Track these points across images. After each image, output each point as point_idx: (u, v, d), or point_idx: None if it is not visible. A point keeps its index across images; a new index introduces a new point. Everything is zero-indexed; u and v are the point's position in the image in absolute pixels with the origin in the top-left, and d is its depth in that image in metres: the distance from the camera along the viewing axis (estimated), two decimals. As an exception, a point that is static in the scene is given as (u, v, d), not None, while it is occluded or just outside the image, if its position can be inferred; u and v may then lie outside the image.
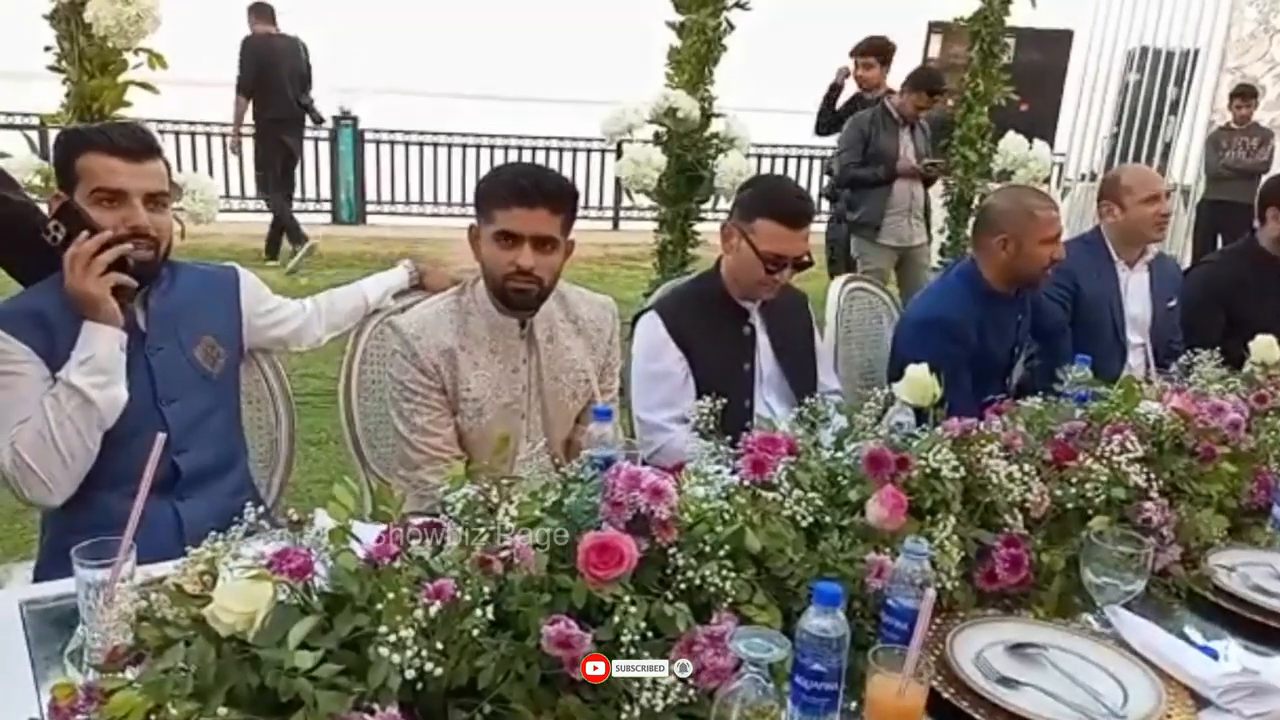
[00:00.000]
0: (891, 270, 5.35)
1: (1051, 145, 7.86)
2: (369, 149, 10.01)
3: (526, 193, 1.90)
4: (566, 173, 10.18)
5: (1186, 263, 7.00)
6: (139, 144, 1.77)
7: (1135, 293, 3.18)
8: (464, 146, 10.29)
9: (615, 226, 10.62)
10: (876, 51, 5.60)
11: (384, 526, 1.20)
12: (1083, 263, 3.16)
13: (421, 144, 10.19)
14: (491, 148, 10.35)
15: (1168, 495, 1.68)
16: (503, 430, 2.01)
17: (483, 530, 1.22)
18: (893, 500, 1.43)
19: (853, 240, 5.40)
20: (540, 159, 10.26)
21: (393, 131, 10.16)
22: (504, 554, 1.16)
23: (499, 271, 1.94)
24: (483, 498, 1.27)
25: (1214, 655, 1.47)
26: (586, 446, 1.72)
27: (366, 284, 2.30)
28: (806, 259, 2.37)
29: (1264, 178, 6.32)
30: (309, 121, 8.22)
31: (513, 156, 10.35)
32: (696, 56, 3.34)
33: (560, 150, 10.43)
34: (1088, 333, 3.07)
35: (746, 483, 1.43)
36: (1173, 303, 3.23)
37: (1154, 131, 7.94)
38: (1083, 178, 8.21)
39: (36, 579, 1.78)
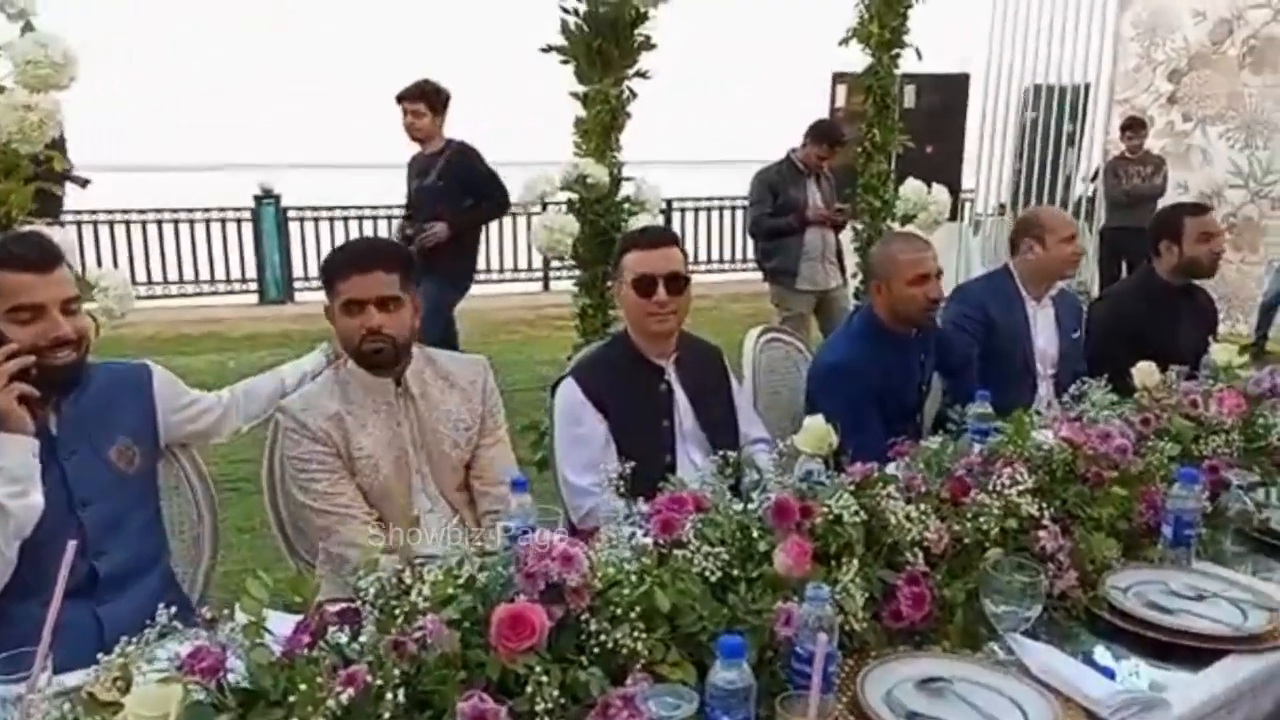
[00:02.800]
0: (811, 314, 5.50)
1: (959, 183, 8.27)
2: (293, 226, 9.97)
3: (359, 260, 2.07)
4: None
5: (1096, 288, 7.33)
6: (45, 254, 1.79)
7: (1042, 327, 3.33)
8: (389, 218, 10.31)
9: (546, 288, 10.69)
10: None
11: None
12: (993, 298, 3.30)
13: (346, 218, 10.17)
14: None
15: (1061, 522, 1.77)
16: (398, 485, 2.11)
17: (397, 612, 1.25)
18: (797, 549, 1.49)
19: (771, 288, 5.56)
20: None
21: (316, 208, 10.15)
22: (418, 635, 1.19)
23: (354, 337, 2.06)
24: (395, 579, 1.30)
25: (1112, 675, 1.54)
26: (505, 517, 1.77)
27: (284, 369, 2.34)
28: (680, 277, 2.43)
29: (1159, 202, 6.68)
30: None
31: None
32: (601, 125, 3.45)
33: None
34: (999, 366, 3.19)
35: (656, 543, 1.48)
36: (1077, 334, 3.38)
37: (1054, 164, 8.30)
38: (993, 213, 8.52)
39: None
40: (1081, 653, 1.62)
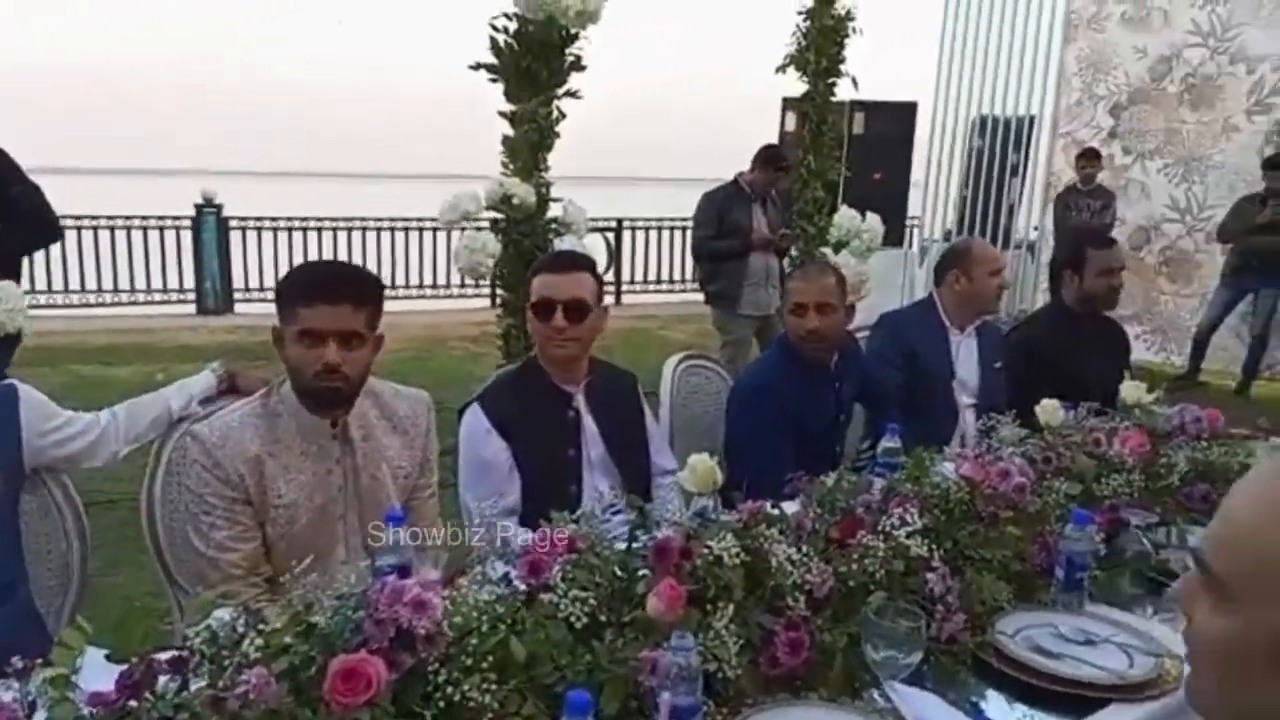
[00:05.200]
0: (753, 338, 5.48)
1: (906, 210, 8.34)
2: (234, 236, 9.80)
3: (329, 288, 1.89)
4: (439, 252, 10.19)
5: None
6: None
7: (965, 357, 3.32)
8: (334, 230, 10.20)
9: (492, 304, 10.59)
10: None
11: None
12: (917, 329, 3.30)
13: (290, 228, 10.03)
14: (364, 229, 10.28)
15: (952, 563, 1.74)
16: (318, 535, 1.97)
17: (227, 663, 1.18)
18: (669, 592, 1.44)
19: (712, 312, 5.53)
20: (412, 239, 10.26)
21: (259, 218, 9.98)
22: (240, 690, 1.12)
23: (306, 371, 1.90)
24: (230, 626, 1.23)
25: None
26: (379, 553, 1.69)
27: (170, 391, 2.22)
28: (583, 305, 2.38)
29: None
30: None
31: (384, 238, 10.30)
32: (529, 144, 3.40)
33: (430, 230, 10.36)
34: (922, 396, 3.19)
35: (523, 586, 1.42)
36: (998, 364, 3.38)
37: (999, 193, 8.40)
38: (939, 239, 8.60)
39: None
40: (969, 700, 1.59)
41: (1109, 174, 7.85)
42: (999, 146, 8.36)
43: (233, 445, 1.91)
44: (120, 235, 9.48)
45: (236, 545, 1.90)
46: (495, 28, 3.48)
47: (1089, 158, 7.51)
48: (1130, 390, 2.56)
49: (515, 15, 3.44)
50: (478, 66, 3.53)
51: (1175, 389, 6.00)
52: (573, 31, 3.43)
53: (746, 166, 5.33)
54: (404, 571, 1.64)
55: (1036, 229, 8.44)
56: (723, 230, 5.26)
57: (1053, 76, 8.26)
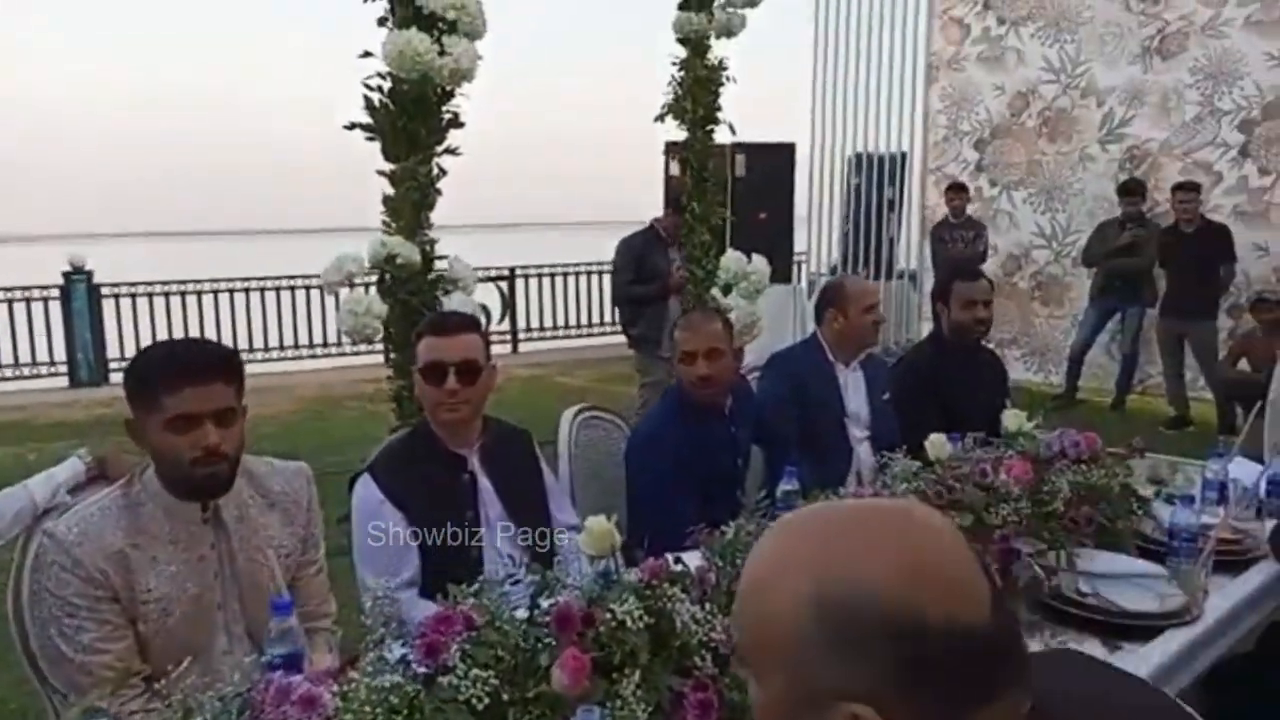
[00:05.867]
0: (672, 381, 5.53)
1: (792, 246, 8.55)
2: (107, 303, 9.38)
3: (195, 371, 1.80)
4: (328, 310, 9.96)
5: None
6: None
7: (853, 390, 3.39)
8: (214, 292, 9.85)
9: (387, 361, 10.37)
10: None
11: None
12: (804, 366, 3.35)
13: (167, 293, 9.65)
14: (246, 290, 9.96)
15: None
16: (195, 627, 1.87)
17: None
18: (573, 664, 1.41)
19: (634, 355, 5.58)
20: (299, 297, 10.01)
21: (133, 283, 9.59)
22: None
23: (182, 459, 1.80)
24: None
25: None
26: (266, 642, 1.61)
27: (33, 482, 2.08)
28: (474, 366, 2.35)
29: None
30: None
31: (269, 297, 10.01)
32: (411, 203, 3.35)
33: (316, 288, 10.11)
34: (815, 433, 3.24)
35: (420, 670, 1.37)
36: (886, 396, 3.46)
37: (879, 227, 8.69)
38: (826, 273, 8.84)
39: None
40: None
41: (979, 205, 8.22)
42: (875, 182, 8.68)
43: (93, 541, 1.79)
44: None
45: (106, 646, 1.79)
46: (369, 87, 3.44)
47: (956, 191, 7.85)
48: (1012, 419, 2.65)
49: (389, 74, 3.40)
50: (353, 126, 3.47)
51: (1055, 408, 6.28)
52: (449, 89, 3.41)
53: (631, 209, 5.42)
54: (294, 661, 1.57)
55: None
56: (641, 275, 5.39)
57: (919, 115, 8.63)
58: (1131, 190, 7.04)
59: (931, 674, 0.74)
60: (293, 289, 10.04)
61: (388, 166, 3.40)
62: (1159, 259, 6.84)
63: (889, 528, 0.81)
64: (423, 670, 1.38)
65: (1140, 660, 1.90)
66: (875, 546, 0.78)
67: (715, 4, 4.51)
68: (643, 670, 1.47)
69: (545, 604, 1.60)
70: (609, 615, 1.51)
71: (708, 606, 1.59)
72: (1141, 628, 2.00)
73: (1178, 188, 6.71)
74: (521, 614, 1.57)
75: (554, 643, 1.49)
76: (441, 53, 3.21)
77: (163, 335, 9.67)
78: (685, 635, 1.54)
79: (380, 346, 10.35)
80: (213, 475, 1.83)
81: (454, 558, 2.28)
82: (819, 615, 0.76)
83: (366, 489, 2.33)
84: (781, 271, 7.21)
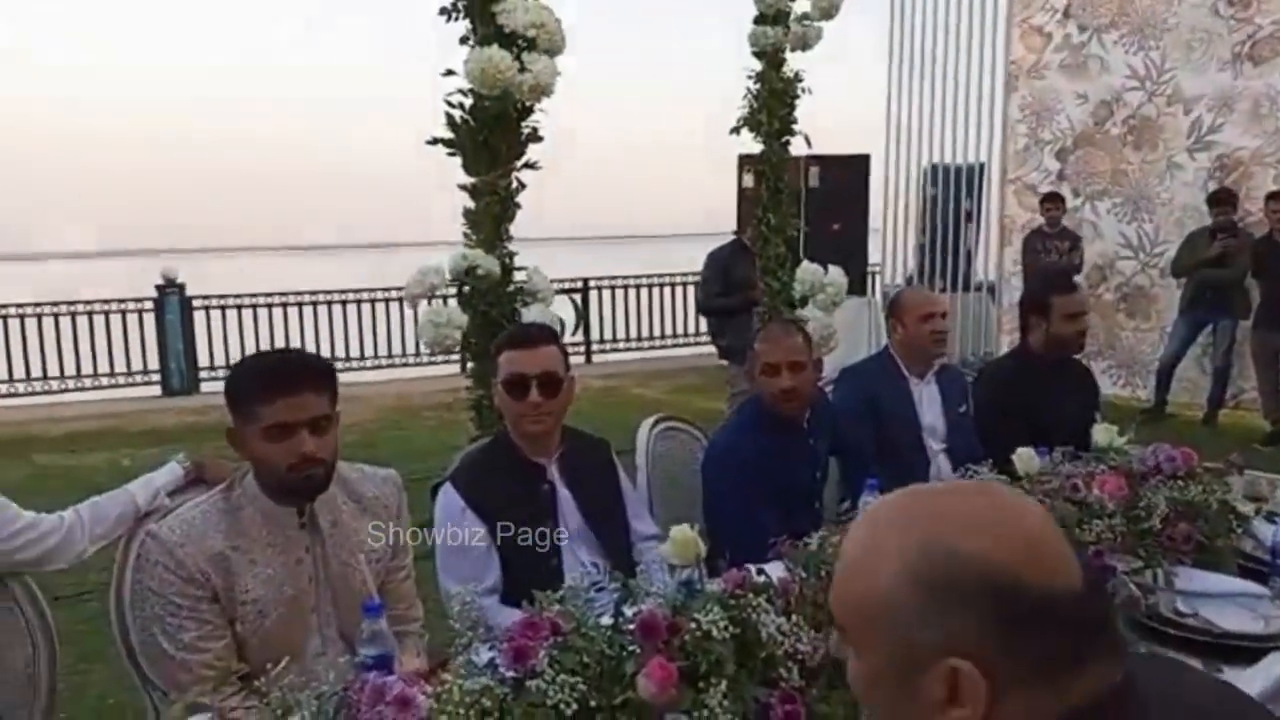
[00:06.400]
0: None
1: (866, 259, 8.46)
2: (198, 315, 9.71)
3: (287, 381, 1.86)
4: (406, 321, 10.15)
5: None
6: None
7: (928, 403, 3.34)
8: (299, 305, 10.12)
9: (463, 370, 10.51)
10: None
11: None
12: (877, 379, 3.32)
13: (255, 305, 9.96)
14: (329, 303, 10.22)
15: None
16: (290, 629, 1.92)
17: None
18: (660, 672, 1.41)
19: (726, 366, 5.62)
20: (379, 310, 10.22)
21: (223, 295, 9.92)
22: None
23: (280, 465, 1.86)
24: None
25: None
26: (359, 643, 1.64)
27: (135, 486, 2.17)
28: (555, 378, 2.36)
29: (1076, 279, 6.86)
30: None
31: (350, 310, 10.25)
32: (491, 216, 3.40)
33: (395, 300, 10.33)
34: (890, 445, 3.19)
35: (509, 674, 1.38)
36: (964, 408, 3.39)
37: (955, 239, 8.55)
38: (901, 285, 8.72)
39: None
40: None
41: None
42: (951, 193, 8.54)
43: (195, 542, 1.86)
44: (82, 320, 9.36)
45: (206, 645, 1.85)
46: (450, 104, 3.51)
47: (1053, 201, 7.66)
48: (1103, 433, 2.57)
49: (470, 91, 3.47)
50: (435, 141, 3.55)
51: (1144, 422, 6.08)
52: (529, 104, 3.46)
53: (705, 221, 5.45)
54: (385, 662, 1.60)
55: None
56: (728, 286, 5.41)
57: (998, 124, 8.47)
58: (1221, 200, 6.80)
59: (1026, 634, 0.78)
60: (372, 301, 10.27)
61: (468, 180, 3.46)
62: (1252, 269, 6.60)
63: (982, 502, 0.86)
64: (510, 675, 1.40)
65: (1244, 684, 1.82)
66: (970, 517, 0.83)
67: (791, 17, 4.50)
68: (729, 680, 1.46)
69: (629, 612, 1.61)
70: (694, 624, 1.51)
71: (794, 618, 1.57)
72: (1245, 649, 1.92)
73: (1272, 196, 6.47)
74: (605, 621, 1.58)
75: (638, 650, 1.49)
76: (522, 69, 3.27)
77: (250, 345, 9.98)
78: (771, 646, 1.53)
79: (456, 357, 10.59)
80: (309, 479, 1.89)
81: (534, 565, 2.30)
82: (919, 579, 0.81)
83: (449, 498, 2.36)
84: (856, 283, 7.13)
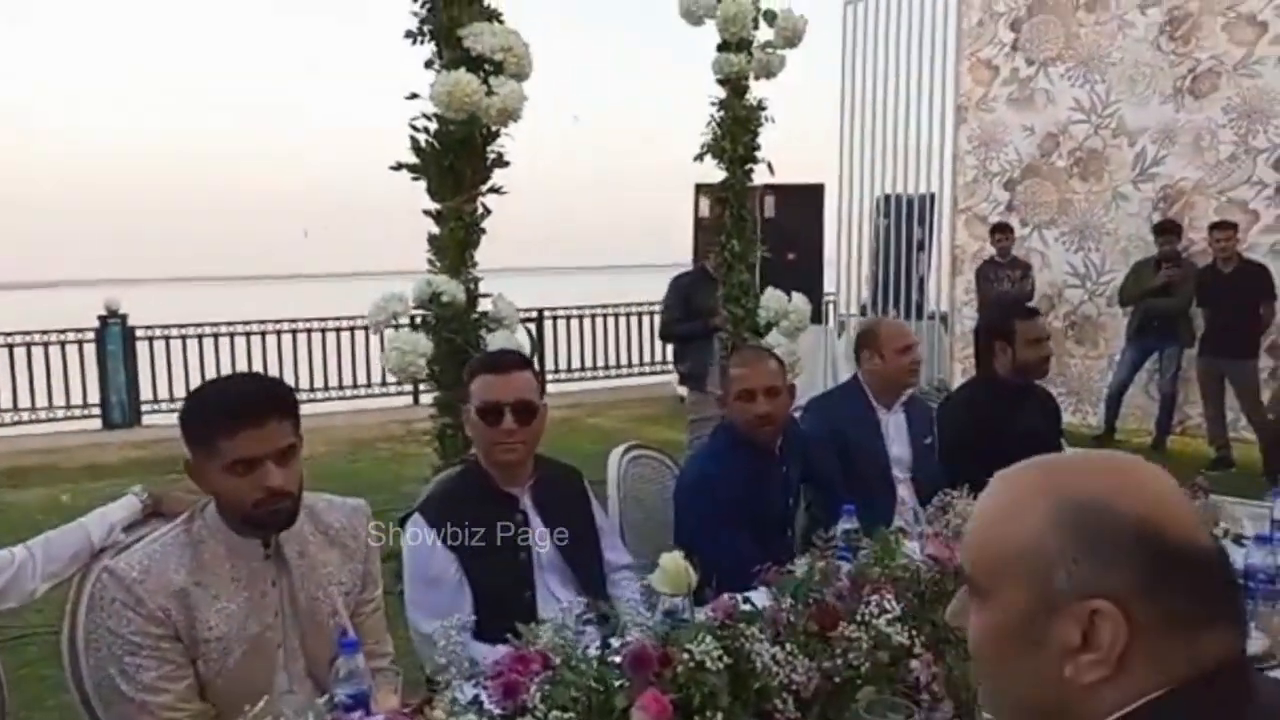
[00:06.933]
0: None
1: (821, 287, 8.54)
2: (141, 346, 9.46)
3: (249, 413, 1.76)
4: (358, 351, 10.01)
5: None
6: None
7: (895, 433, 3.33)
8: (247, 335, 9.92)
9: (416, 401, 10.38)
10: None
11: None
12: (844, 409, 3.31)
13: (201, 335, 9.73)
14: (278, 332, 10.03)
15: (934, 647, 1.70)
16: (255, 668, 1.83)
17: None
18: (655, 705, 1.37)
19: (686, 393, 5.60)
20: (329, 340, 10.06)
21: (166, 326, 9.67)
22: None
23: (245, 501, 1.77)
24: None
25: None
26: (334, 683, 1.58)
27: (89, 520, 2.07)
28: (530, 406, 2.32)
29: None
30: None
31: (299, 339, 10.07)
32: (456, 242, 3.35)
33: (345, 330, 10.17)
34: (858, 475, 3.17)
35: (499, 711, 1.33)
36: (929, 439, 3.39)
37: (908, 268, 8.66)
38: (855, 314, 8.81)
39: None
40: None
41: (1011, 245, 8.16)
42: (904, 223, 8.66)
43: (155, 578, 1.76)
44: (19, 351, 9.07)
45: (167, 685, 1.75)
46: (415, 128, 3.47)
47: (1003, 231, 7.80)
48: (1073, 457, 2.58)
49: (435, 115, 3.43)
50: (399, 167, 3.49)
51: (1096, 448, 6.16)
52: (494, 129, 3.43)
53: (659, 251, 5.47)
54: (361, 700, 1.54)
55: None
56: (689, 312, 5.41)
57: (948, 156, 8.62)
58: (1166, 229, 6.98)
59: (1170, 582, 0.80)
60: (323, 330, 10.11)
61: (432, 206, 3.41)
62: (1197, 298, 6.77)
63: (1114, 463, 0.88)
64: (499, 712, 1.34)
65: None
66: (1111, 473, 0.86)
67: (754, 45, 4.53)
68: (724, 713, 1.42)
69: (615, 644, 1.56)
70: (686, 655, 1.47)
71: (788, 647, 1.54)
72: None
73: (1214, 226, 6.65)
74: (593, 653, 1.53)
75: (628, 683, 1.45)
76: (489, 93, 3.24)
77: (195, 377, 9.74)
78: (765, 677, 1.50)
79: (409, 388, 10.41)
80: (275, 513, 1.81)
81: (507, 598, 2.24)
82: (1065, 522, 0.82)
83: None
84: (813, 313, 7.19)
